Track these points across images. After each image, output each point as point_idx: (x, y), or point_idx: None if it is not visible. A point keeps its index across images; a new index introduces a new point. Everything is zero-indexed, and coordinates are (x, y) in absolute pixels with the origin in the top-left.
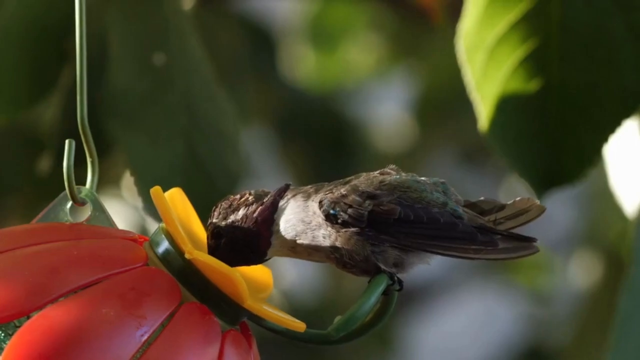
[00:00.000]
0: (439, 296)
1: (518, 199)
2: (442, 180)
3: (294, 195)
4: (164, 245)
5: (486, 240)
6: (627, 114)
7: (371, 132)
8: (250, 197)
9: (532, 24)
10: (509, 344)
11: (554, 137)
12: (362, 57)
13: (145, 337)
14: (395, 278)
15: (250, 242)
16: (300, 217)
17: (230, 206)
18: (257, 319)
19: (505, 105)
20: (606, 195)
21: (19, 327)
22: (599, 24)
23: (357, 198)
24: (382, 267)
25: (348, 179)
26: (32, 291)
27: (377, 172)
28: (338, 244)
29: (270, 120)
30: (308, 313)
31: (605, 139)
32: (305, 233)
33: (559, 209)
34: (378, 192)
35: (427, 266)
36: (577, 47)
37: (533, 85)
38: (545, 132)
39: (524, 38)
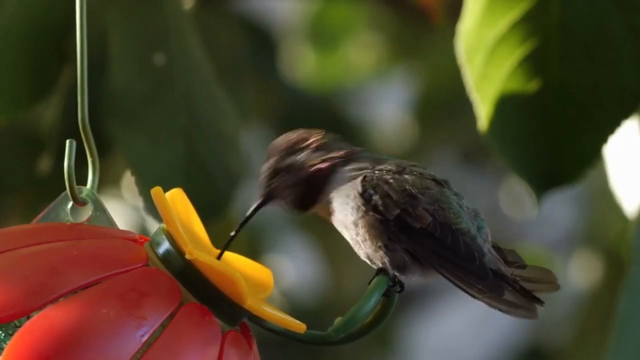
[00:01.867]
0: (439, 296)
1: (541, 267)
2: (483, 217)
3: (356, 160)
4: (165, 246)
5: (495, 285)
6: (627, 114)
7: (371, 132)
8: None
9: (532, 24)
10: (509, 344)
11: (554, 137)
12: (362, 57)
13: (145, 338)
14: (397, 280)
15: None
16: (346, 188)
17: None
18: (257, 320)
19: (505, 106)
20: (606, 195)
21: (19, 327)
22: (599, 24)
23: (399, 191)
24: (386, 264)
25: (409, 163)
26: (32, 291)
27: (432, 176)
28: (361, 221)
29: (270, 120)
30: (308, 313)
31: (605, 139)
32: (341, 197)
33: (559, 209)
34: (419, 195)
35: None
36: (577, 47)
37: (532, 86)
38: (545, 132)
39: (524, 38)
